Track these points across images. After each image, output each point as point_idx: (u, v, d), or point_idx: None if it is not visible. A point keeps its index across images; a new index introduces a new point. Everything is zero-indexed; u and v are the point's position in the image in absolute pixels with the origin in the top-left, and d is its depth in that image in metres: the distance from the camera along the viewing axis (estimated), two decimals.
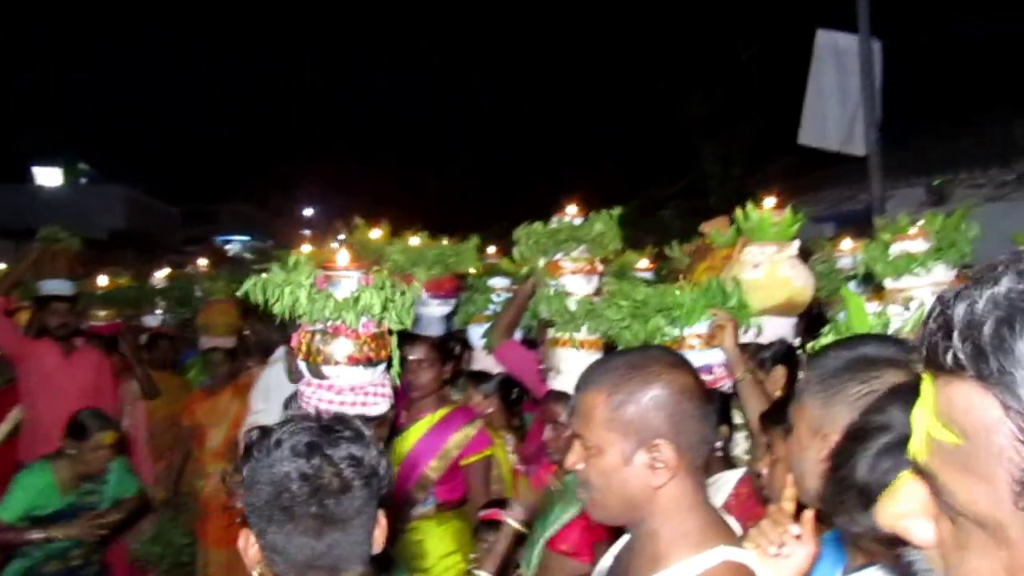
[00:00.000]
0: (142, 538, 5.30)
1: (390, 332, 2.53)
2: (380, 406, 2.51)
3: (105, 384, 5.56)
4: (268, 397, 4.87)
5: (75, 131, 32.95)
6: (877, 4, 9.78)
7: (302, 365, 2.51)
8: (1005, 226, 9.45)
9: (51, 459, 4.06)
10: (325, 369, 2.45)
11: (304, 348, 2.47)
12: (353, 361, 2.43)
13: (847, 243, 4.15)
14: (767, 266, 3.37)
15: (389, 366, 2.56)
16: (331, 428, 1.55)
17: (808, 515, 1.58)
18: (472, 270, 4.55)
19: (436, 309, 3.96)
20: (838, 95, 10.19)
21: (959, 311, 0.63)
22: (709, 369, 3.01)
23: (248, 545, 1.58)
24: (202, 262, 7.23)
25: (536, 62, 21.19)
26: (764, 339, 3.36)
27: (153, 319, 6.49)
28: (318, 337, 2.44)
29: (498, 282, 4.62)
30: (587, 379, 1.67)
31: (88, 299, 6.05)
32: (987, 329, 0.60)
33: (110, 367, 5.71)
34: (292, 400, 4.69)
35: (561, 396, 3.17)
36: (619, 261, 4.79)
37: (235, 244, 35.56)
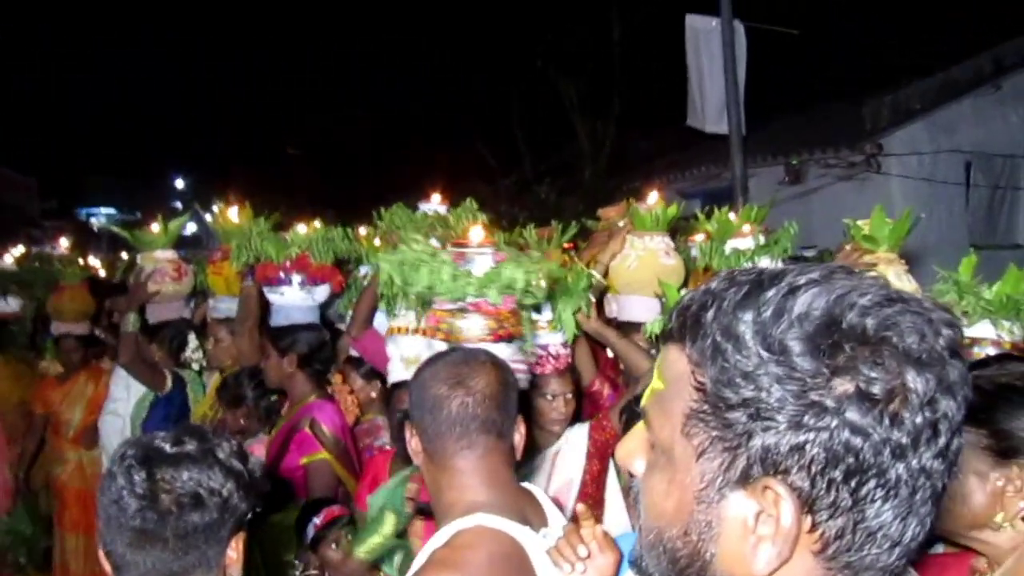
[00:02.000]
0: None
1: (521, 307, 2.48)
2: (520, 382, 2.39)
3: None
4: (129, 384, 4.73)
5: None
6: None
7: (439, 345, 2.40)
8: (853, 202, 10.09)
9: None
10: (467, 348, 2.35)
11: (444, 328, 2.39)
12: (496, 338, 2.38)
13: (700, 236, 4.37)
14: (646, 255, 3.56)
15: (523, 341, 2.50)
16: (178, 444, 1.57)
17: (597, 530, 1.70)
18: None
19: (305, 297, 3.86)
20: (710, 78, 10.59)
21: (683, 298, 0.87)
22: (546, 348, 3.15)
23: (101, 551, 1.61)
24: (63, 242, 6.86)
25: (414, 37, 20.88)
26: (635, 318, 3.56)
27: (3, 303, 6.14)
28: (457, 316, 2.38)
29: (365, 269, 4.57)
30: None
31: None
32: (690, 311, 0.83)
33: None
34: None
35: (398, 385, 3.26)
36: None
37: (100, 217, 33.86)
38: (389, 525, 2.54)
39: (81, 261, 6.28)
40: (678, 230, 4.38)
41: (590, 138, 15.84)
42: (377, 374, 4.04)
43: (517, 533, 1.71)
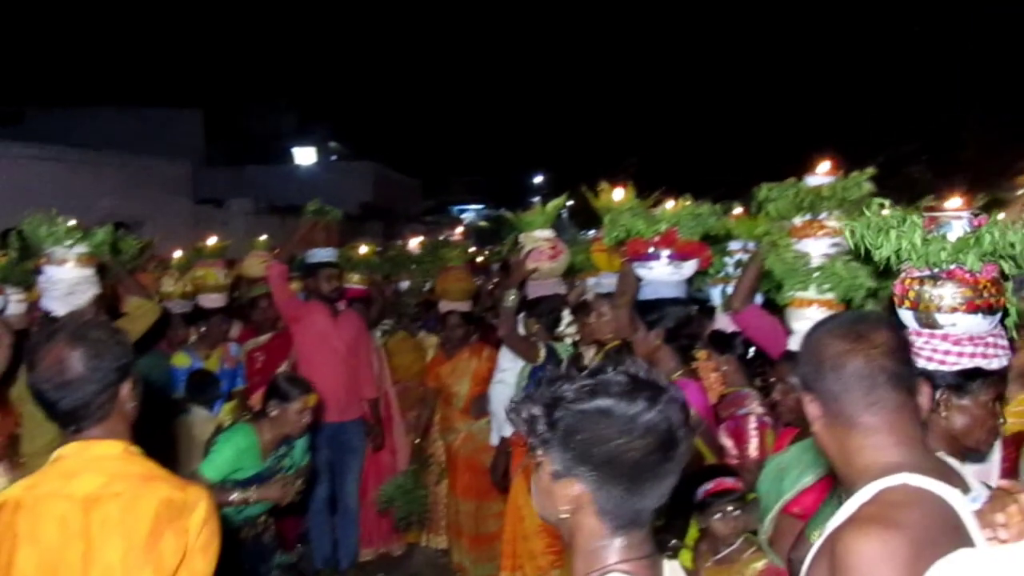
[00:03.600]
0: (387, 485, 5.74)
1: (1004, 277, 2.35)
2: (1001, 359, 2.30)
3: (364, 342, 6.03)
4: (516, 356, 5.09)
5: (326, 113, 35.54)
6: None
7: (908, 314, 2.38)
8: None
9: (252, 421, 4.05)
10: (939, 317, 2.29)
11: (912, 296, 2.35)
12: (972, 308, 2.26)
13: None
14: None
15: (1004, 316, 2.37)
16: (657, 378, 1.53)
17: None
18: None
19: (673, 272, 3.87)
20: None
21: None
22: None
23: (572, 494, 1.50)
24: (451, 232, 7.70)
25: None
26: None
27: (403, 284, 7.01)
28: (928, 284, 2.31)
29: (734, 244, 4.51)
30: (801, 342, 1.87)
31: (346, 265, 6.57)
32: None
33: (366, 326, 6.19)
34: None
35: (791, 357, 3.15)
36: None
37: (469, 213, 37.22)
38: None
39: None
40: None
41: (975, 107, 14.09)
42: (736, 348, 4.06)
43: (946, 494, 1.60)
